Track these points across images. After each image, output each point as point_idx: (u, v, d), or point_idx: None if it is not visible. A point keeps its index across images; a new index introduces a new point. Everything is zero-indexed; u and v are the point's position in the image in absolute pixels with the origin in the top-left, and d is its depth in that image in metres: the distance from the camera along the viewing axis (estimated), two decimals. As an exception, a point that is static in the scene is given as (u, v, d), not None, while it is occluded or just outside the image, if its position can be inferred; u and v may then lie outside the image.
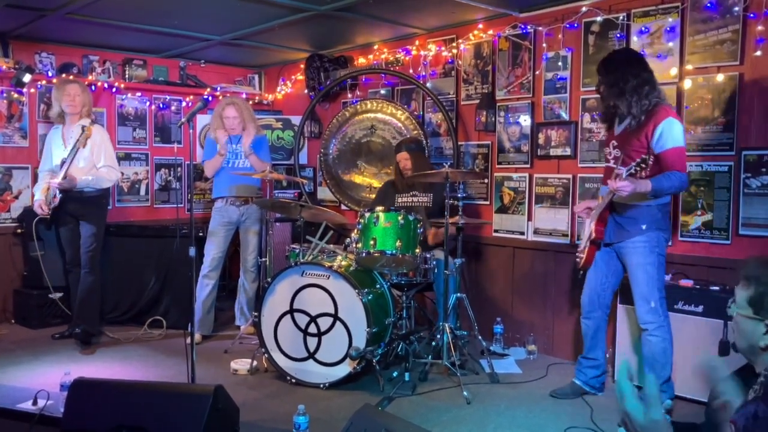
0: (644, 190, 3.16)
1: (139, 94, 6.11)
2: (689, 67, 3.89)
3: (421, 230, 4.09)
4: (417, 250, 4.01)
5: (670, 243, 3.60)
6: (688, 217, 3.91)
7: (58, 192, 4.56)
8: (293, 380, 3.93)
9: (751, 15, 3.62)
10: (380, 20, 4.93)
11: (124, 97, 6.04)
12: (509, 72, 4.79)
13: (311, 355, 3.92)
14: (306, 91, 6.13)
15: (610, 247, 3.54)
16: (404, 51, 5.42)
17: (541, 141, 4.64)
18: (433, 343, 4.14)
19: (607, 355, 4.03)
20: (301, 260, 4.04)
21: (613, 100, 3.38)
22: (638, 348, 3.62)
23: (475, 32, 4.95)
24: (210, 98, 6.14)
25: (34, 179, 5.15)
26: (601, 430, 3.29)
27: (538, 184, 4.68)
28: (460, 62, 5.11)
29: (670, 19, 3.94)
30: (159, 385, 3.14)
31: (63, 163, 4.58)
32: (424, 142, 5.11)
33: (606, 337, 3.78)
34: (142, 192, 6.20)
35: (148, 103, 6.19)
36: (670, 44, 3.95)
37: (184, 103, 6.40)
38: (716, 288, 3.56)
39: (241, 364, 4.18)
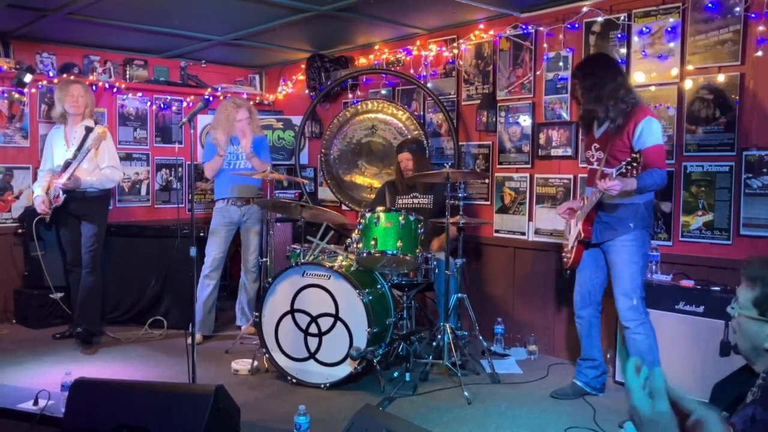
0: (631, 188, 3.24)
1: (140, 94, 6.12)
2: (690, 67, 3.89)
3: (422, 231, 4.09)
4: (418, 251, 4.01)
5: (653, 244, 3.74)
6: (689, 218, 3.91)
7: (62, 192, 4.56)
8: (294, 380, 3.93)
9: (752, 15, 3.62)
10: (381, 20, 4.93)
11: (125, 97, 6.04)
12: (510, 72, 4.79)
13: (312, 356, 3.92)
14: (307, 91, 6.13)
15: (597, 246, 3.58)
16: (405, 51, 5.42)
17: (542, 141, 4.64)
18: (434, 344, 4.13)
19: (608, 356, 4.03)
20: (302, 260, 4.04)
21: (591, 104, 3.47)
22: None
23: (476, 32, 4.95)
24: (211, 98, 6.16)
25: (35, 179, 5.15)
26: (603, 431, 3.30)
27: (539, 185, 4.68)
28: (461, 62, 5.11)
29: (671, 20, 3.94)
30: (160, 385, 3.15)
31: (68, 164, 4.57)
32: (425, 142, 5.11)
33: (601, 336, 3.78)
34: (143, 192, 6.20)
35: (149, 104, 6.19)
36: (671, 44, 3.95)
37: (185, 104, 6.40)
38: (717, 288, 3.56)
39: (242, 364, 4.18)
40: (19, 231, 5.42)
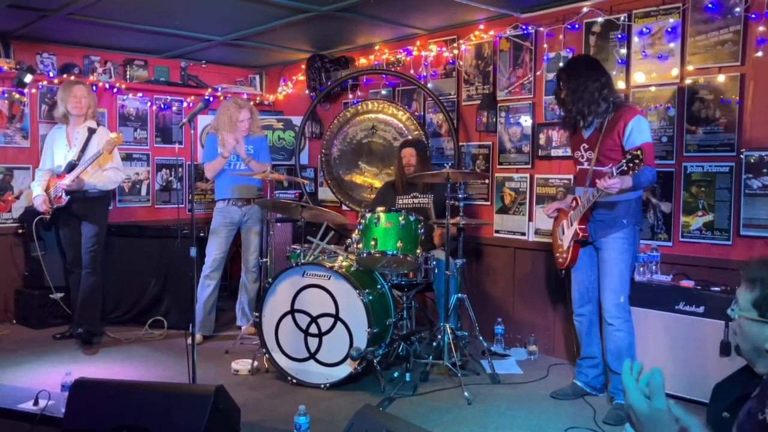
0: (627, 186, 3.28)
1: (140, 94, 6.12)
2: (690, 67, 3.89)
3: (422, 231, 4.09)
4: (418, 251, 4.01)
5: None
6: (689, 218, 3.91)
7: (64, 194, 4.56)
8: (294, 380, 3.93)
9: (752, 16, 3.62)
10: (381, 21, 4.93)
11: (125, 97, 6.04)
12: (510, 72, 4.79)
13: (312, 356, 3.92)
14: (307, 91, 6.13)
15: (590, 244, 3.62)
16: (405, 51, 5.42)
17: (542, 141, 4.64)
18: (434, 344, 4.13)
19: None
20: (302, 261, 4.04)
21: (574, 105, 3.51)
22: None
23: (476, 33, 4.95)
24: (211, 99, 6.16)
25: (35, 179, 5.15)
26: (603, 431, 3.30)
27: (539, 185, 4.68)
28: (461, 63, 5.11)
29: (671, 20, 3.94)
30: (160, 386, 3.15)
31: (72, 165, 4.57)
32: (427, 143, 5.11)
33: (600, 333, 3.78)
34: (144, 192, 6.21)
35: (149, 104, 6.19)
36: (671, 45, 3.95)
37: (185, 104, 6.41)
38: (717, 289, 3.56)
39: (242, 365, 4.18)
40: (20, 231, 5.42)
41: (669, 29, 3.95)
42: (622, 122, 3.39)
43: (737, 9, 3.67)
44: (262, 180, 4.95)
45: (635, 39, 4.10)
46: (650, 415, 1.28)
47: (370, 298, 3.83)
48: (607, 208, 3.50)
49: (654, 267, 3.85)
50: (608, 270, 3.51)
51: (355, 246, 4.07)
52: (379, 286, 4.03)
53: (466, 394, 3.67)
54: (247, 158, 4.83)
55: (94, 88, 5.57)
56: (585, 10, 4.30)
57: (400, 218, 3.99)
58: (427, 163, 4.79)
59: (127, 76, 6.03)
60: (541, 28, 4.57)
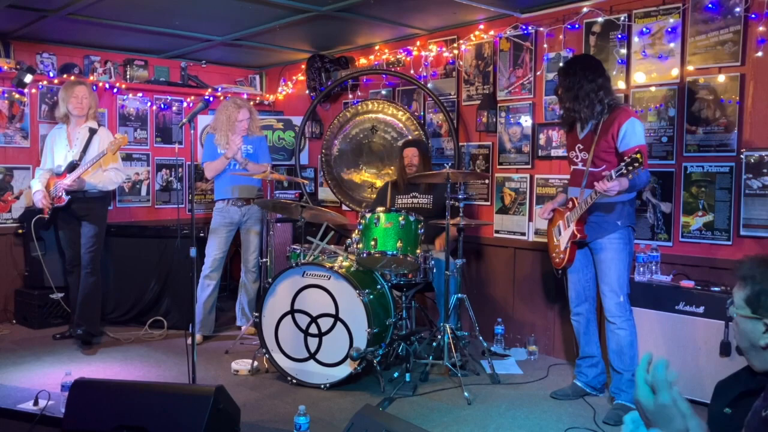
0: (623, 188, 3.29)
1: (140, 94, 6.12)
2: (690, 67, 3.89)
3: (422, 231, 4.09)
4: (418, 251, 4.01)
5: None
6: (689, 218, 3.91)
7: (65, 193, 4.56)
8: (294, 381, 3.93)
9: (753, 16, 3.62)
10: (381, 21, 4.93)
11: (125, 97, 6.04)
12: (510, 73, 4.79)
13: (312, 356, 3.92)
14: (307, 91, 6.13)
15: (586, 245, 3.63)
16: (405, 51, 5.42)
17: (542, 142, 4.65)
18: (434, 344, 4.14)
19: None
20: (302, 261, 4.03)
21: (569, 103, 3.53)
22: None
23: (476, 33, 4.95)
24: (211, 99, 6.16)
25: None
26: (602, 431, 3.30)
27: (539, 185, 4.68)
28: (461, 63, 5.11)
29: (671, 20, 3.94)
30: (160, 386, 3.14)
31: (74, 165, 4.57)
32: (427, 143, 5.12)
33: (598, 332, 3.78)
34: (144, 192, 6.21)
35: (149, 104, 6.19)
36: (672, 45, 3.95)
37: (185, 104, 6.41)
38: (717, 289, 3.56)
39: (242, 365, 4.18)
40: (20, 231, 5.42)
41: (669, 29, 3.95)
42: (617, 124, 3.40)
43: (737, 9, 3.67)
44: (262, 180, 4.95)
45: (635, 39, 4.10)
46: (656, 411, 1.31)
47: (370, 298, 3.83)
48: (601, 209, 3.52)
49: (654, 267, 3.85)
50: (606, 271, 3.53)
51: (355, 246, 4.07)
52: (378, 287, 4.03)
53: (466, 394, 3.67)
54: (243, 161, 4.81)
55: (94, 88, 5.56)
56: (585, 10, 4.30)
57: (400, 218, 3.99)
58: (429, 163, 4.80)
59: (128, 76, 6.03)
60: (541, 28, 4.57)
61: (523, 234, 4.76)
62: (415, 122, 5.28)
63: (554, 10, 4.48)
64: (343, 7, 4.53)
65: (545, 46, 4.55)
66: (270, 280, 4.13)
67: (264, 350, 4.04)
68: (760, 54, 3.61)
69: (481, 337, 4.28)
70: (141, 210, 6.19)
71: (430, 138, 5.27)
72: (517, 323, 4.81)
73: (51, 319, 5.25)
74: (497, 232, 4.92)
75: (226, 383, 3.20)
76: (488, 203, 4.99)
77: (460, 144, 5.11)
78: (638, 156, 3.11)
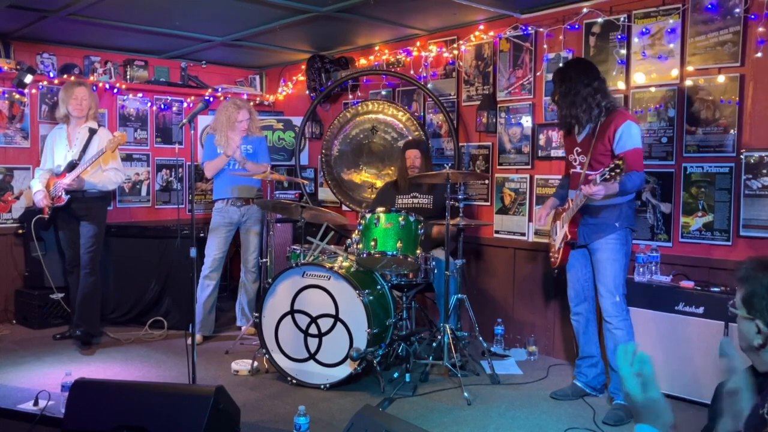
0: (613, 192, 3.33)
1: (140, 94, 6.12)
2: (690, 68, 3.89)
3: (422, 231, 4.09)
4: (418, 251, 4.01)
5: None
6: (689, 219, 3.91)
7: (64, 193, 4.57)
8: (294, 381, 3.93)
9: (752, 16, 3.62)
10: (381, 21, 4.93)
11: (125, 97, 6.04)
12: (510, 73, 4.80)
13: (312, 356, 3.92)
14: (307, 92, 6.13)
15: (584, 247, 3.65)
16: (405, 52, 5.42)
17: (541, 142, 4.65)
18: (434, 344, 4.14)
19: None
20: (302, 261, 4.04)
21: (567, 108, 3.54)
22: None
23: (476, 33, 4.95)
24: (211, 99, 6.17)
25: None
26: (602, 431, 3.30)
27: (539, 185, 4.68)
28: (461, 63, 5.11)
29: (671, 21, 3.94)
30: (160, 386, 3.15)
31: (73, 164, 4.57)
32: (428, 144, 5.12)
33: (598, 332, 3.79)
34: (144, 193, 6.21)
35: (149, 104, 6.19)
36: (671, 45, 3.95)
37: (185, 104, 6.41)
38: (717, 289, 3.56)
39: (242, 365, 4.18)
40: (20, 231, 5.43)
41: (669, 30, 3.95)
42: (613, 127, 3.42)
43: (737, 10, 3.67)
44: (261, 180, 4.95)
45: (635, 39, 4.11)
46: (645, 404, 1.35)
47: (370, 298, 3.83)
48: (597, 212, 3.54)
49: (654, 268, 3.85)
50: (602, 271, 3.54)
51: (355, 246, 4.07)
52: (378, 287, 4.03)
53: (465, 394, 3.67)
54: (242, 160, 4.81)
55: (95, 88, 5.56)
56: (585, 10, 4.31)
57: (400, 219, 3.99)
58: (430, 164, 4.81)
59: (128, 77, 6.03)
60: (541, 29, 4.57)
61: (523, 234, 4.76)
62: (415, 123, 5.28)
63: (554, 10, 4.48)
64: (343, 8, 4.53)
65: (545, 46, 4.55)
66: (270, 280, 4.13)
67: (264, 350, 4.04)
68: (759, 55, 3.61)
69: (481, 338, 4.29)
70: (141, 210, 6.20)
71: (430, 138, 5.27)
72: (517, 323, 4.81)
73: (51, 319, 5.25)
74: (497, 232, 4.92)
75: (226, 383, 3.20)
76: (488, 203, 5.00)
77: (460, 144, 5.12)
78: (620, 162, 3.17)
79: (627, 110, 3.76)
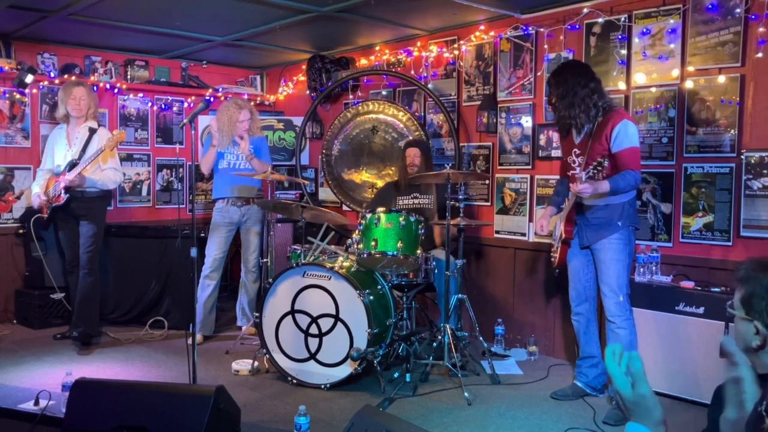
0: (603, 190, 3.37)
1: (141, 94, 6.12)
2: (690, 68, 3.89)
3: (422, 231, 4.09)
4: (418, 251, 4.01)
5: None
6: (690, 219, 3.91)
7: (64, 192, 4.57)
8: (294, 381, 3.93)
9: (753, 17, 3.62)
10: (382, 21, 4.93)
11: (126, 97, 6.05)
12: (511, 73, 4.80)
13: (312, 356, 3.92)
14: (307, 92, 6.13)
15: (587, 248, 3.65)
16: (406, 52, 5.42)
17: (542, 142, 4.65)
18: (434, 344, 4.14)
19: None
20: (303, 261, 4.04)
21: (565, 110, 3.56)
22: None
23: (477, 33, 4.95)
24: (212, 99, 6.17)
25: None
26: (602, 431, 3.31)
27: (540, 186, 4.68)
28: (461, 63, 5.11)
29: (672, 21, 3.94)
30: (160, 386, 3.15)
31: (73, 163, 4.57)
32: (429, 145, 5.12)
33: (599, 332, 3.79)
34: (144, 192, 6.21)
35: (150, 104, 6.20)
36: (672, 46, 3.95)
37: (186, 104, 6.41)
38: (717, 290, 3.56)
39: (243, 365, 4.19)
40: (20, 231, 5.43)
41: (669, 30, 3.95)
42: (610, 126, 3.43)
43: (737, 10, 3.67)
44: (262, 180, 4.95)
45: (636, 40, 4.11)
46: (636, 401, 1.36)
47: (371, 298, 3.83)
48: (600, 211, 3.54)
49: (654, 268, 3.86)
50: (606, 271, 3.54)
51: (355, 246, 4.07)
52: (379, 287, 4.03)
53: (466, 394, 3.67)
54: (250, 155, 4.83)
55: (95, 88, 5.57)
56: (585, 10, 4.31)
57: (401, 219, 4.00)
58: (430, 164, 4.82)
59: (128, 77, 6.03)
60: (542, 29, 4.57)
61: (524, 234, 4.77)
62: (415, 123, 5.28)
63: (555, 10, 4.48)
64: (344, 8, 4.54)
65: (546, 46, 4.55)
66: (270, 280, 4.14)
67: (264, 350, 4.04)
68: (760, 55, 3.61)
69: (481, 338, 4.29)
70: (141, 210, 6.20)
71: (430, 138, 5.27)
72: (518, 323, 4.81)
73: (52, 319, 5.25)
74: (497, 232, 4.92)
75: (227, 383, 3.20)
76: (488, 204, 5.00)
77: (461, 144, 5.12)
78: (602, 160, 3.26)
79: (624, 109, 3.78)
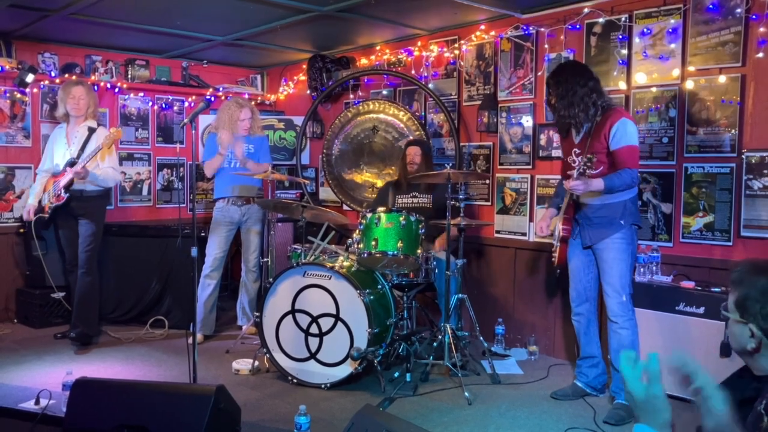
0: (597, 188, 3.38)
1: (141, 94, 6.13)
2: (691, 68, 3.89)
3: (423, 231, 4.10)
4: (419, 251, 4.02)
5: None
6: (690, 219, 3.91)
7: (63, 191, 4.57)
8: (295, 380, 3.93)
9: (753, 17, 3.62)
10: (382, 21, 4.93)
11: (126, 97, 6.05)
12: (511, 73, 4.80)
13: (313, 356, 3.93)
14: (308, 91, 6.13)
15: (589, 248, 3.64)
16: (406, 52, 5.42)
17: (542, 142, 4.65)
18: (435, 344, 4.14)
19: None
20: (303, 261, 4.04)
21: (564, 110, 3.57)
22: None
23: (477, 33, 4.95)
24: (212, 99, 6.17)
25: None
26: (603, 431, 3.30)
27: (540, 185, 4.68)
28: (462, 63, 5.11)
29: (672, 21, 3.94)
30: (161, 385, 3.15)
31: (72, 163, 4.57)
32: (430, 144, 5.12)
33: (599, 333, 3.79)
34: (145, 192, 6.21)
35: (150, 104, 6.20)
36: (672, 46, 3.95)
37: (186, 104, 6.41)
38: (717, 290, 3.56)
39: (243, 364, 4.19)
40: (21, 230, 5.43)
41: (670, 30, 3.95)
42: (608, 124, 3.44)
43: (738, 10, 3.67)
44: (262, 180, 4.95)
45: (636, 40, 4.11)
46: (647, 401, 1.37)
47: (371, 298, 3.83)
48: (601, 210, 3.53)
49: (654, 268, 3.86)
50: (608, 270, 3.53)
51: (355, 246, 4.07)
52: (379, 287, 4.04)
53: (466, 394, 3.67)
54: (243, 160, 4.82)
55: (96, 87, 5.57)
56: (586, 10, 4.31)
57: (401, 218, 4.00)
58: (431, 163, 4.82)
59: (129, 76, 6.03)
60: (542, 29, 4.57)
61: (524, 234, 4.77)
62: (416, 122, 5.28)
63: (555, 10, 4.48)
64: (344, 8, 4.54)
65: (546, 46, 4.55)
66: (271, 279, 4.14)
67: (265, 350, 4.04)
68: (760, 55, 3.61)
69: (481, 337, 4.29)
70: (142, 209, 6.20)
71: (431, 138, 5.28)
72: (518, 323, 4.81)
73: (52, 318, 5.25)
74: (498, 232, 4.92)
75: (227, 383, 3.21)
76: (489, 203, 5.00)
77: (461, 144, 5.12)
78: (591, 156, 3.30)
79: (623, 108, 3.78)
